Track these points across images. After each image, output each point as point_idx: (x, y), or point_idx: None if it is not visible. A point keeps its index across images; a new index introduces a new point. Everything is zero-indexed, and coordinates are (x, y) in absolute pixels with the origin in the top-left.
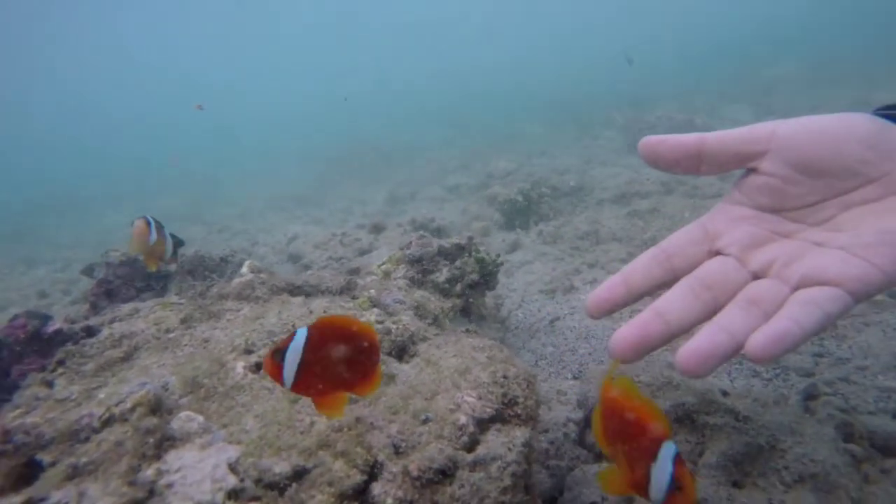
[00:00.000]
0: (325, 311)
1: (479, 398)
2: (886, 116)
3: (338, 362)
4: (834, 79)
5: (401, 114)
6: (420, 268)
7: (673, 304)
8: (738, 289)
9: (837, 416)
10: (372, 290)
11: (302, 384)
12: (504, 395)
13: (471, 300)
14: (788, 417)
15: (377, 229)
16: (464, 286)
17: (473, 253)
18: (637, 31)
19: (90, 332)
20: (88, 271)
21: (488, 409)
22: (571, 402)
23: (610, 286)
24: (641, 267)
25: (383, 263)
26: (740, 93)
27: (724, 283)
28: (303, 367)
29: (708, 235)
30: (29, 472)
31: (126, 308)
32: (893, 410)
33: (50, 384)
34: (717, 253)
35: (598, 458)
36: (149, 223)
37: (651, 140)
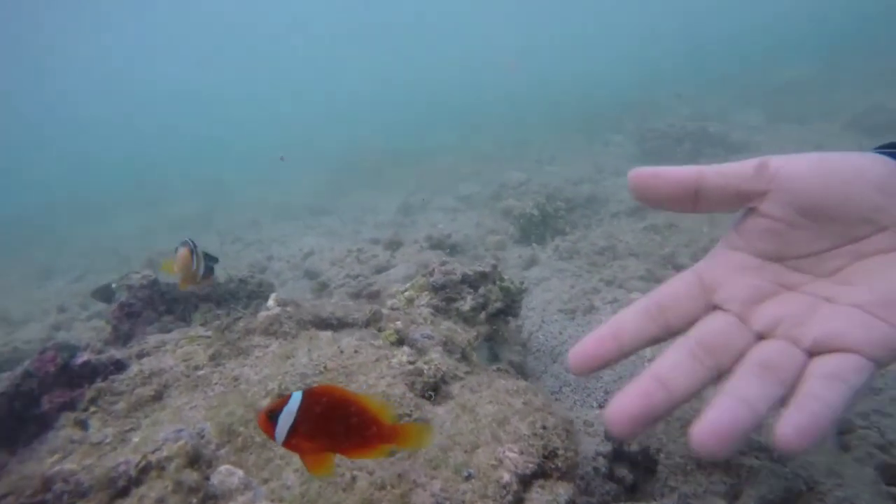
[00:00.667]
0: (355, 351)
1: (521, 453)
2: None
3: (330, 429)
4: (848, 81)
5: (409, 119)
6: (444, 295)
7: (675, 370)
8: (742, 351)
9: (877, 456)
10: (398, 322)
11: (292, 444)
12: (544, 447)
13: (495, 327)
14: (825, 456)
15: (393, 245)
16: (488, 314)
17: (498, 281)
18: (644, 31)
19: (119, 365)
20: (101, 295)
21: (530, 465)
22: (599, 434)
23: (598, 340)
24: (633, 321)
25: (406, 290)
26: (752, 96)
27: (726, 346)
28: (294, 429)
29: (705, 287)
30: None
31: (152, 340)
32: None
33: (83, 424)
34: (716, 307)
35: (630, 490)
36: (192, 251)
37: (643, 173)
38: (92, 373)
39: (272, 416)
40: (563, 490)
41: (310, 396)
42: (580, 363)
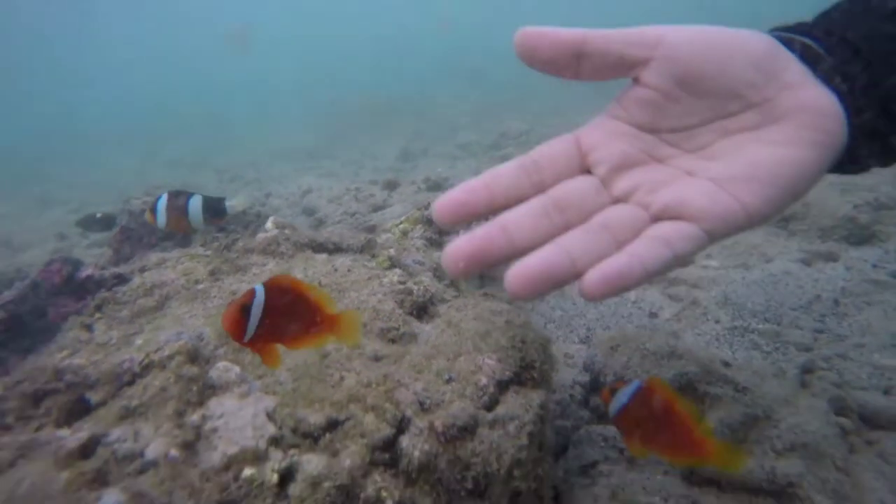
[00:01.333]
0: (348, 270)
1: (499, 361)
2: (782, 39)
3: (286, 318)
4: None
5: (413, 67)
6: (437, 228)
7: (521, 221)
8: (593, 213)
9: (831, 391)
10: (391, 250)
11: (254, 339)
12: (522, 358)
13: None
14: (785, 390)
15: (391, 186)
16: None
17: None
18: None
19: (121, 279)
20: (85, 224)
21: (507, 372)
22: (578, 366)
23: (469, 189)
24: (507, 174)
25: (400, 223)
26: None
27: (580, 206)
28: (261, 322)
29: (581, 150)
30: (79, 408)
31: (154, 258)
32: (885, 387)
33: (89, 328)
34: (588, 170)
35: (601, 419)
36: (153, 210)
37: (529, 33)
38: (96, 286)
39: (245, 309)
40: (536, 396)
41: (270, 288)
42: (448, 210)
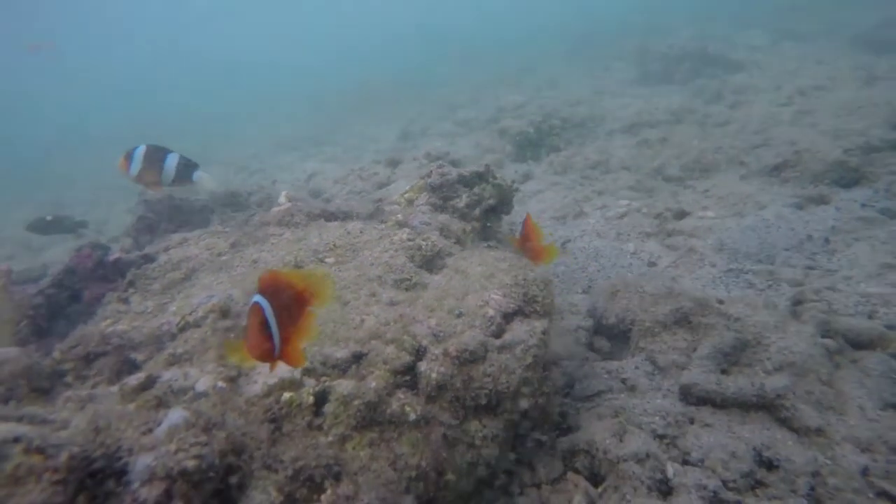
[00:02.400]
0: (360, 232)
1: (504, 296)
2: None
3: (288, 306)
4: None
5: (408, 51)
6: (441, 195)
7: None
8: None
9: (819, 317)
10: (399, 215)
11: (285, 338)
12: (525, 293)
13: (488, 224)
14: (775, 318)
15: (393, 163)
16: (482, 210)
17: (491, 179)
18: None
19: (147, 259)
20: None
21: (512, 305)
22: (581, 313)
23: None
24: None
25: (406, 192)
26: (756, 16)
27: None
28: (280, 324)
29: None
30: (127, 368)
31: (176, 237)
32: (869, 312)
33: (126, 301)
34: None
35: (606, 358)
36: (129, 157)
37: None
38: (125, 268)
39: (266, 329)
40: (539, 324)
41: (265, 290)
42: None
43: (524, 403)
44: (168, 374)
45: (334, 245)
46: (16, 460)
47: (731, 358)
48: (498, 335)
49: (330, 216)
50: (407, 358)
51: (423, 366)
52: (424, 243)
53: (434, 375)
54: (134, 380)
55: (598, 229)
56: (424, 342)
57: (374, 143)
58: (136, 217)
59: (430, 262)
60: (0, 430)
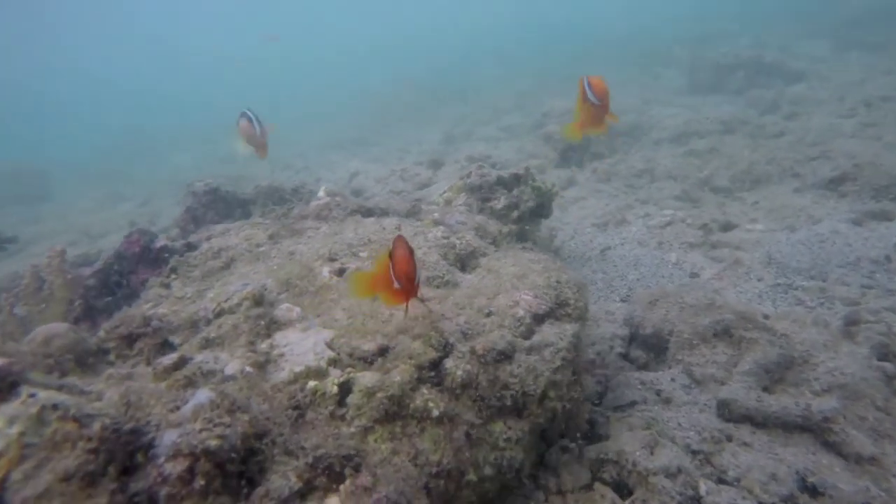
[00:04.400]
0: (397, 228)
1: (536, 297)
2: None
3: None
4: None
5: (456, 55)
6: (479, 196)
7: None
8: None
9: (875, 339)
10: (435, 214)
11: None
12: (557, 296)
13: (526, 227)
14: (826, 337)
15: (436, 164)
16: (520, 213)
17: (530, 182)
18: None
19: (190, 247)
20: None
21: (543, 306)
22: (618, 321)
23: None
24: None
25: (444, 193)
26: (820, 27)
27: None
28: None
29: None
30: (164, 350)
31: (218, 227)
32: None
33: (167, 286)
34: None
35: (642, 368)
36: (251, 119)
37: None
38: (169, 254)
39: (411, 250)
40: (570, 327)
41: (401, 242)
42: None
43: (551, 407)
44: (200, 357)
45: (369, 240)
46: (54, 426)
47: (775, 375)
48: (527, 336)
49: (367, 212)
50: (433, 354)
51: (449, 363)
52: (459, 242)
53: (459, 373)
54: (167, 360)
55: (640, 238)
56: (452, 339)
57: (417, 146)
58: (184, 208)
59: (464, 261)
60: (41, 396)
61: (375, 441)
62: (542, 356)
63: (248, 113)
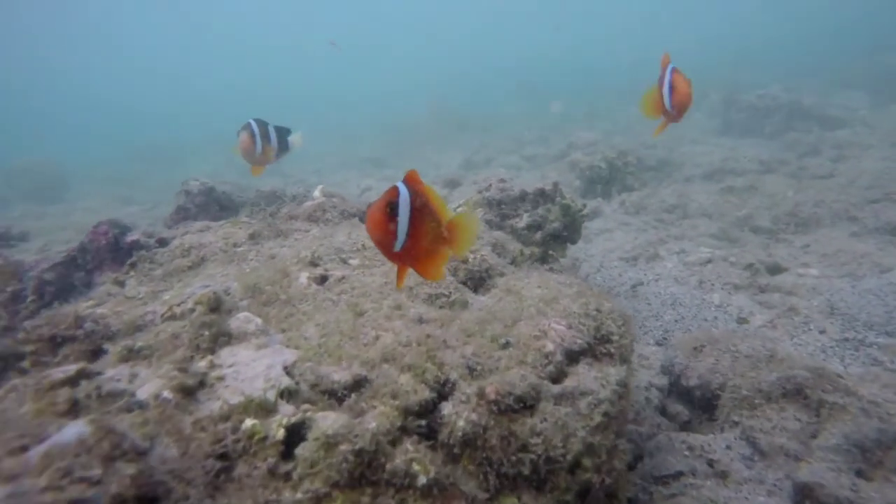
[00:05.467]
0: None
1: (570, 327)
2: None
3: (423, 222)
4: None
5: (481, 85)
6: (499, 211)
7: None
8: None
9: None
10: None
11: (407, 246)
12: (597, 328)
13: (550, 251)
14: None
15: (452, 184)
16: (545, 234)
17: (558, 200)
18: (731, 10)
19: (162, 243)
20: None
21: (579, 341)
22: (654, 368)
23: None
24: None
25: (459, 206)
26: (854, 79)
27: None
28: (411, 222)
29: None
30: (95, 359)
31: (198, 224)
32: None
33: (122, 284)
34: None
35: (684, 427)
36: (253, 134)
37: None
38: (140, 250)
39: (392, 207)
40: (615, 371)
41: (409, 182)
42: None
43: (584, 480)
44: (111, 372)
45: (363, 245)
46: None
47: (873, 457)
48: (556, 379)
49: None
50: (426, 393)
51: (447, 407)
52: (471, 256)
53: (461, 423)
54: (61, 372)
55: (676, 275)
56: (454, 375)
57: (435, 169)
58: (175, 207)
59: (477, 280)
60: None
61: None
62: (575, 408)
63: (253, 125)
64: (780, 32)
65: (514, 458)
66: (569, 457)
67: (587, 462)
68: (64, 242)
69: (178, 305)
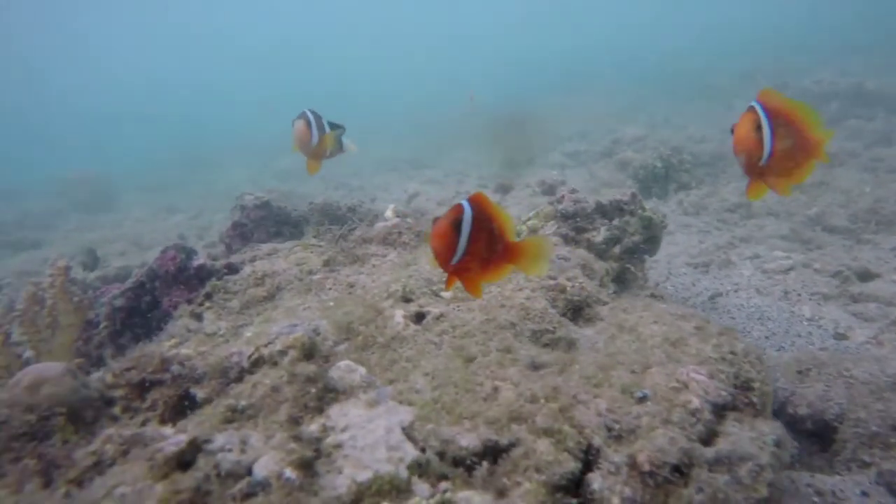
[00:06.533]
0: None
1: (711, 377)
2: None
3: (484, 239)
4: None
5: (517, 82)
6: (573, 225)
7: None
8: None
9: None
10: None
11: (463, 262)
12: (736, 375)
13: (629, 265)
14: None
15: (504, 188)
16: (623, 248)
17: (638, 212)
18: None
19: (231, 268)
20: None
21: (723, 393)
22: None
23: None
24: None
25: (529, 219)
26: None
27: None
28: (470, 239)
29: None
30: (184, 404)
31: (265, 248)
32: None
33: (199, 317)
34: None
35: (801, 464)
36: (309, 123)
37: None
38: (207, 275)
39: (456, 224)
40: (767, 427)
41: (474, 203)
42: None
43: None
44: (220, 440)
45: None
46: None
47: None
48: (706, 441)
49: None
50: (572, 464)
51: (595, 481)
52: (570, 284)
53: (616, 501)
54: (172, 445)
55: (757, 284)
56: (596, 439)
57: (476, 169)
58: (231, 223)
59: (578, 311)
60: None
61: None
62: (735, 476)
63: (308, 114)
64: (814, 12)
65: None
66: None
67: None
68: (119, 254)
69: (266, 346)
